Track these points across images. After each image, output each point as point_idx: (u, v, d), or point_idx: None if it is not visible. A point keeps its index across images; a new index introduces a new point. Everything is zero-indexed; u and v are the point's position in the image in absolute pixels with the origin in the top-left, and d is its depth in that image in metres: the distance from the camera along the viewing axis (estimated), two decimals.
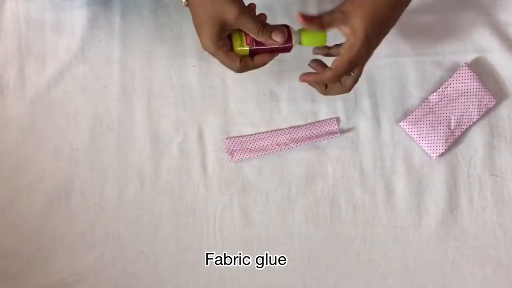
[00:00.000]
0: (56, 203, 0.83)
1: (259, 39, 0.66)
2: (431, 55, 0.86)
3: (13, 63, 0.85)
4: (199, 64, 0.85)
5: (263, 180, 0.83)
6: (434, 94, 0.84)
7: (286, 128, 0.84)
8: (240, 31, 0.67)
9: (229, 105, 0.85)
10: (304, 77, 0.71)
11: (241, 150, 0.84)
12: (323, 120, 0.85)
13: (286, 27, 0.69)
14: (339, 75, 0.67)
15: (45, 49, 0.85)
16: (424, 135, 0.83)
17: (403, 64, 0.85)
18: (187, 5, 0.66)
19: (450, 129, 0.83)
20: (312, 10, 0.86)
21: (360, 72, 0.68)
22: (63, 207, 0.83)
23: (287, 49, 0.69)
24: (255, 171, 0.84)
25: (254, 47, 0.67)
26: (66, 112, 0.84)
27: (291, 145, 0.83)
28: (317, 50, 0.72)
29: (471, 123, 0.83)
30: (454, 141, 0.83)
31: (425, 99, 0.84)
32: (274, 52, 0.69)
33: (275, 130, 0.84)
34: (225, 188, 0.83)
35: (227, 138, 0.84)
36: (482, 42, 0.85)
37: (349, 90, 0.70)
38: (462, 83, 0.83)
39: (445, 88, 0.83)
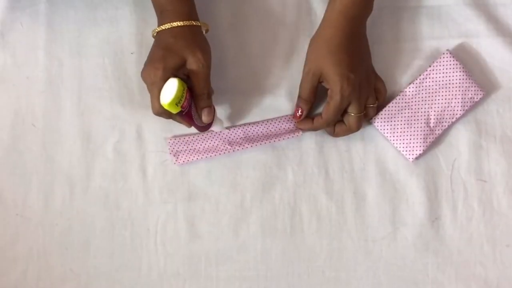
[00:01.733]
0: None
1: (197, 100, 0.70)
2: (408, 40, 0.82)
3: None
4: (138, 51, 0.82)
5: (213, 186, 0.81)
6: (411, 86, 0.81)
7: (240, 126, 0.81)
8: (183, 90, 0.67)
9: None
10: (299, 126, 0.77)
11: (187, 151, 0.80)
12: (283, 116, 0.81)
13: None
14: (330, 121, 0.74)
15: None
16: (399, 134, 0.80)
17: (375, 51, 0.80)
18: (154, 35, 0.72)
19: (430, 126, 0.80)
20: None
21: (359, 107, 0.73)
22: None
23: (203, 130, 0.75)
24: (203, 175, 0.81)
25: (183, 114, 0.68)
26: None
27: (246, 145, 0.80)
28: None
29: (454, 119, 0.80)
30: (434, 141, 0.81)
31: (400, 92, 0.81)
32: (192, 125, 0.73)
33: (226, 128, 0.81)
34: (168, 195, 0.80)
35: (170, 138, 0.81)
36: (467, 26, 0.82)
37: (356, 129, 0.76)
38: (443, 73, 0.80)
39: (423, 79, 0.81)
